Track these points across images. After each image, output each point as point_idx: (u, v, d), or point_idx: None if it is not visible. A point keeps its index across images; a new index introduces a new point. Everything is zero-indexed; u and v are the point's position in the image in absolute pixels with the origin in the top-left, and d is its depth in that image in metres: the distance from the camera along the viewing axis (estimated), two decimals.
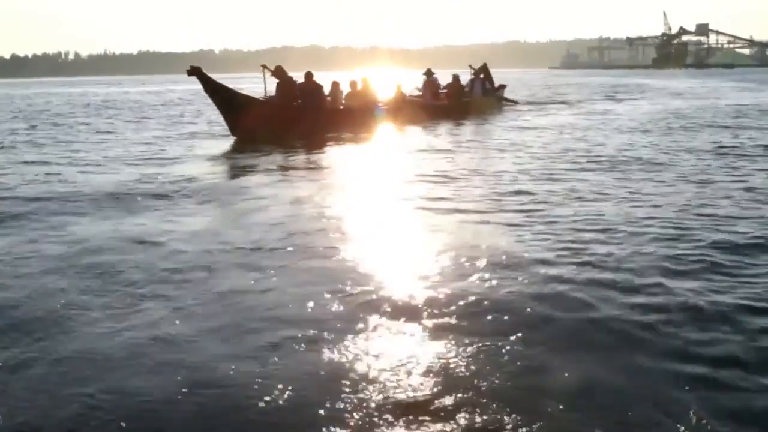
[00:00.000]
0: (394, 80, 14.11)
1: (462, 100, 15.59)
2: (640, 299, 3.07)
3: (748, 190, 5.70)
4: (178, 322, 2.88)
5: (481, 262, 3.61)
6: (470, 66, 17.52)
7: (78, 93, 36.57)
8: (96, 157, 8.72)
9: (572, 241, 4.05)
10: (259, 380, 2.31)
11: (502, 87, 18.45)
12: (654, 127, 11.71)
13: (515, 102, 18.73)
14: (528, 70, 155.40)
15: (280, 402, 2.17)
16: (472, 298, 3.09)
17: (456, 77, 15.90)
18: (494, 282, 3.31)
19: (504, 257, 3.71)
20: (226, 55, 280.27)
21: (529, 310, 2.95)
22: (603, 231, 4.31)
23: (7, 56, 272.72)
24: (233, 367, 2.41)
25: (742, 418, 2.07)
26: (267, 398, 2.18)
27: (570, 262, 3.61)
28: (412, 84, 15.90)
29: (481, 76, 17.14)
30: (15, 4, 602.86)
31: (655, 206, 5.05)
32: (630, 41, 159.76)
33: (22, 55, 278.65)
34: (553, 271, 3.46)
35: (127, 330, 2.79)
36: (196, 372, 2.38)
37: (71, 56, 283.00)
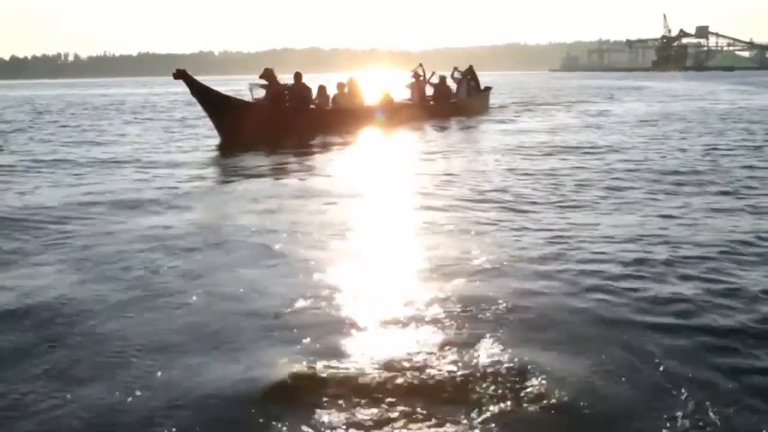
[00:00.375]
0: (381, 84, 14.24)
1: (449, 102, 15.82)
2: (622, 291, 3.31)
3: (726, 187, 5.98)
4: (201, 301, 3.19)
5: (468, 256, 3.88)
6: (456, 68, 17.71)
7: (82, 95, 36.77)
8: (104, 157, 8.97)
9: (556, 237, 4.32)
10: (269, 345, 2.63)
11: (488, 89, 18.67)
12: (644, 128, 11.95)
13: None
14: (528, 72, 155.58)
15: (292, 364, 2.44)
16: (461, 292, 3.34)
17: (443, 78, 16.07)
18: (480, 274, 3.57)
19: (491, 251, 3.98)
20: (225, 56, 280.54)
21: (515, 300, 3.20)
22: (584, 227, 4.57)
23: (7, 58, 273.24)
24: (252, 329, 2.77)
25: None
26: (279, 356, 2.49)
27: (553, 257, 3.88)
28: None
29: (468, 77, 17.34)
30: (14, 5, 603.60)
31: (642, 206, 5.31)
32: (630, 44, 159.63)
33: (21, 56, 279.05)
34: (539, 267, 3.68)
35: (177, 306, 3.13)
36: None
37: (71, 58, 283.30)
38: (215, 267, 3.72)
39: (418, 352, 2.52)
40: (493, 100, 19.53)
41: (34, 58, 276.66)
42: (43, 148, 10.16)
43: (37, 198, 5.94)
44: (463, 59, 26.27)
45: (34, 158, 8.91)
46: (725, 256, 3.78)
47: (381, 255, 3.99)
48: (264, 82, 11.70)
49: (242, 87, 13.79)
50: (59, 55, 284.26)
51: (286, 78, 12.10)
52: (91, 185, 6.68)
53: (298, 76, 11.91)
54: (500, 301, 3.08)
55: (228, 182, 7.02)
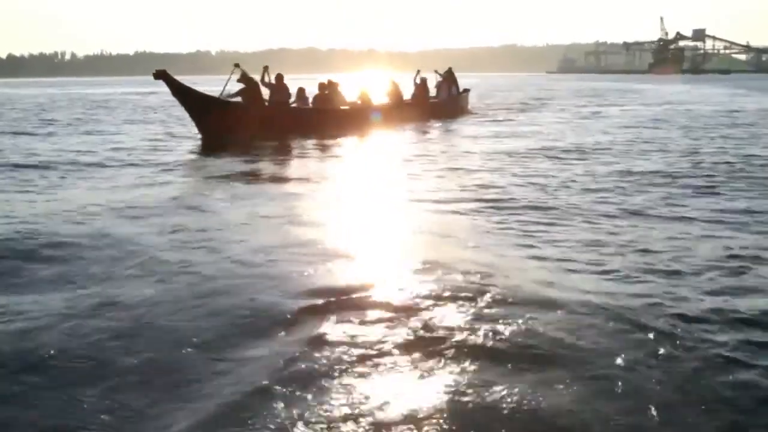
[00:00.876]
0: (359, 86, 14.34)
1: (428, 104, 16.09)
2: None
3: (705, 185, 6.28)
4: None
5: (454, 254, 4.16)
6: (436, 71, 17.92)
7: (84, 94, 36.81)
8: (107, 155, 9.20)
9: (532, 232, 4.61)
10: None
11: (466, 91, 18.93)
12: (633, 130, 12.20)
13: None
14: (525, 74, 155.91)
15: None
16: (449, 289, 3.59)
17: (424, 80, 16.27)
18: (465, 268, 3.82)
19: (477, 246, 4.27)
20: (223, 56, 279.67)
21: (504, 296, 3.45)
22: (560, 226, 4.86)
23: (4, 56, 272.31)
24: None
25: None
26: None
27: (527, 248, 4.16)
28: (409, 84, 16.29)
29: (448, 80, 17.54)
30: (12, 4, 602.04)
31: (618, 205, 5.61)
32: (627, 46, 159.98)
33: (18, 54, 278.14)
34: (526, 263, 3.96)
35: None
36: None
37: (68, 56, 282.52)
38: (237, 240, 4.34)
39: (401, 297, 3.21)
40: (488, 101, 19.77)
41: (32, 56, 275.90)
42: (47, 146, 10.34)
43: (54, 201, 5.97)
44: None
45: (39, 159, 8.84)
46: (688, 252, 4.02)
47: (369, 233, 4.67)
48: (241, 86, 11.54)
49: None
50: (56, 53, 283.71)
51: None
52: (93, 187, 6.80)
53: (279, 77, 12.08)
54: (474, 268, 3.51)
55: (215, 179, 7.16)
